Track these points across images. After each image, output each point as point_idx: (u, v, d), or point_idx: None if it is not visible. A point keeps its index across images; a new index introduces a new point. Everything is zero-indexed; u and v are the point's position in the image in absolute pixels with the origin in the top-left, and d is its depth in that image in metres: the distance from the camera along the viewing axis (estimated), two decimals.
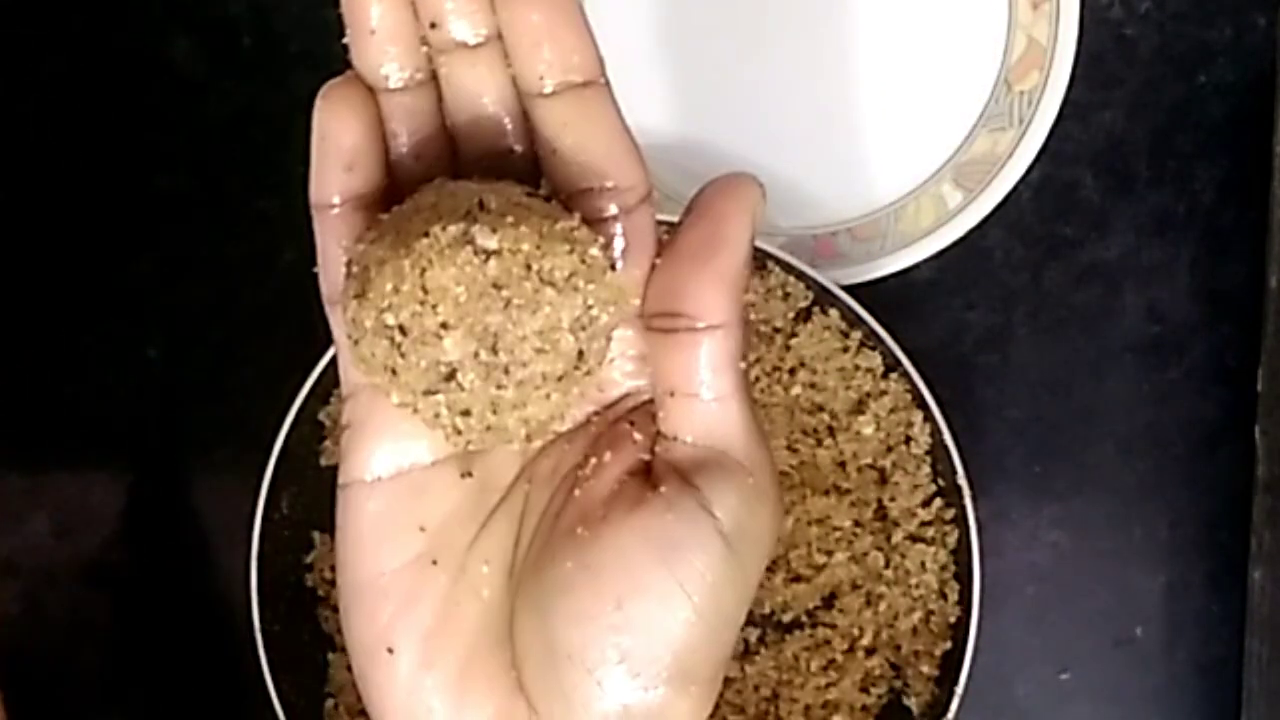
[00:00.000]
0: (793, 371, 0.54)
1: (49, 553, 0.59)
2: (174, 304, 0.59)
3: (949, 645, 0.53)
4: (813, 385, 0.54)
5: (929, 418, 0.53)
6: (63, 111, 0.58)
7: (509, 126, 0.28)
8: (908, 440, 0.54)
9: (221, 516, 0.58)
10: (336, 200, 0.28)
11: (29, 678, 0.59)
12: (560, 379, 0.27)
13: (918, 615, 0.54)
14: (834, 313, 0.53)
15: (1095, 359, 0.58)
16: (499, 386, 0.26)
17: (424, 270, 0.25)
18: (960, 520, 0.53)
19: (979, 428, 0.57)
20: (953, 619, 0.53)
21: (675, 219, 0.47)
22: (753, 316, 0.54)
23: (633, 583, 0.27)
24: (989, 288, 0.58)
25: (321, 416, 0.54)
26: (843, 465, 0.54)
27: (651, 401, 0.29)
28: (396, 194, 0.28)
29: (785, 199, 0.57)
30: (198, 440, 0.58)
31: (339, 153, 0.28)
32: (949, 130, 0.56)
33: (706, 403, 0.28)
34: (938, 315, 0.58)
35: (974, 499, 0.52)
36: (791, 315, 0.54)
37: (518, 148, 0.29)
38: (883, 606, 0.54)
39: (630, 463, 0.29)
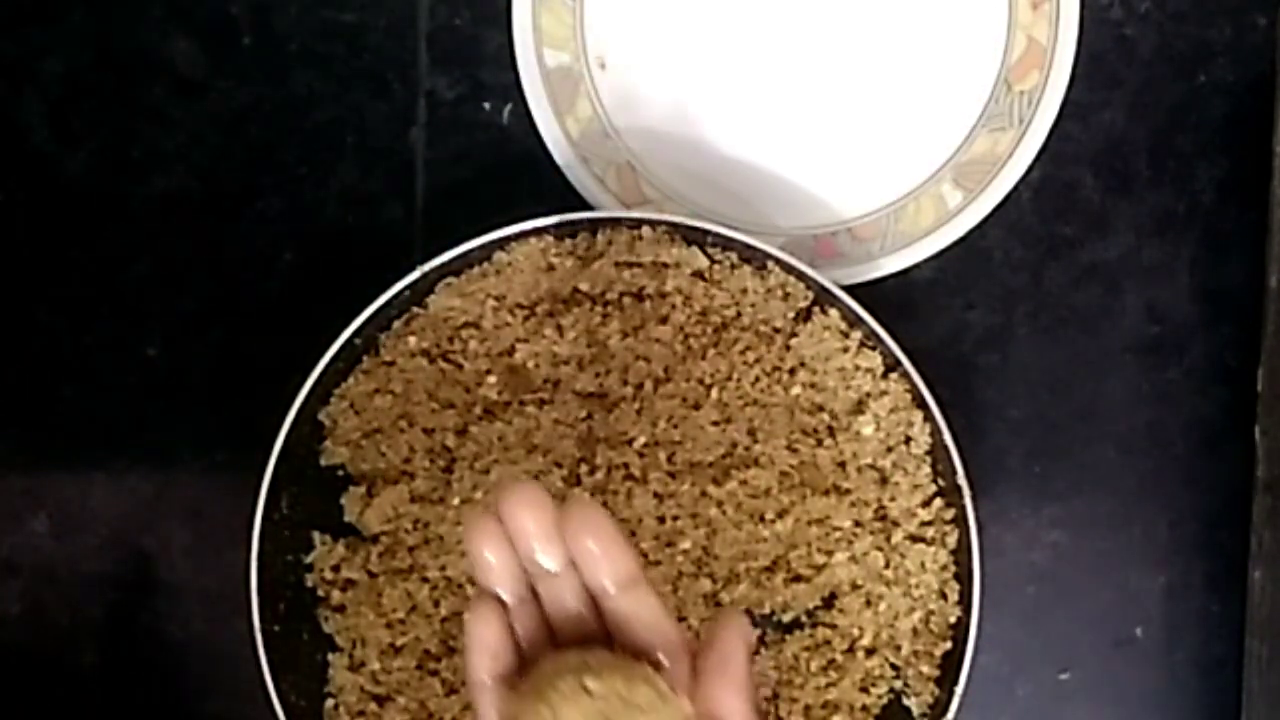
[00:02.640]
0: (793, 371, 0.54)
1: (49, 553, 0.59)
2: (174, 304, 0.59)
3: (949, 645, 0.53)
4: (813, 385, 0.54)
5: (929, 418, 0.53)
6: (63, 111, 0.59)
7: (589, 619, 0.41)
8: (908, 440, 0.54)
9: (221, 516, 0.58)
10: (487, 679, 0.41)
11: (29, 678, 0.59)
12: None
13: (918, 615, 0.54)
14: (834, 313, 0.53)
15: (1095, 359, 0.58)
16: None
17: (555, 710, 0.37)
18: (960, 520, 0.53)
19: (979, 428, 0.57)
20: (953, 619, 0.53)
21: (675, 219, 0.48)
22: (752, 317, 0.55)
23: None
24: (989, 288, 0.58)
25: (321, 416, 0.54)
26: (843, 465, 0.54)
27: None
28: (522, 665, 0.41)
29: (785, 199, 0.57)
30: (198, 440, 0.59)
31: (487, 648, 0.41)
32: (949, 130, 0.56)
33: None
34: (938, 315, 0.58)
35: (974, 499, 0.52)
36: (791, 315, 0.54)
37: (596, 629, 0.41)
38: (883, 607, 0.54)
39: None
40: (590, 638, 0.41)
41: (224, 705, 0.59)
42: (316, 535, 0.55)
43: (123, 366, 0.59)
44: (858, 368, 0.54)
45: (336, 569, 0.55)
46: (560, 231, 0.54)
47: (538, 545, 0.40)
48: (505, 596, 0.41)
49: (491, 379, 0.55)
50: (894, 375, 0.53)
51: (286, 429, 0.52)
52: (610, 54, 0.57)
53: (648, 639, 0.40)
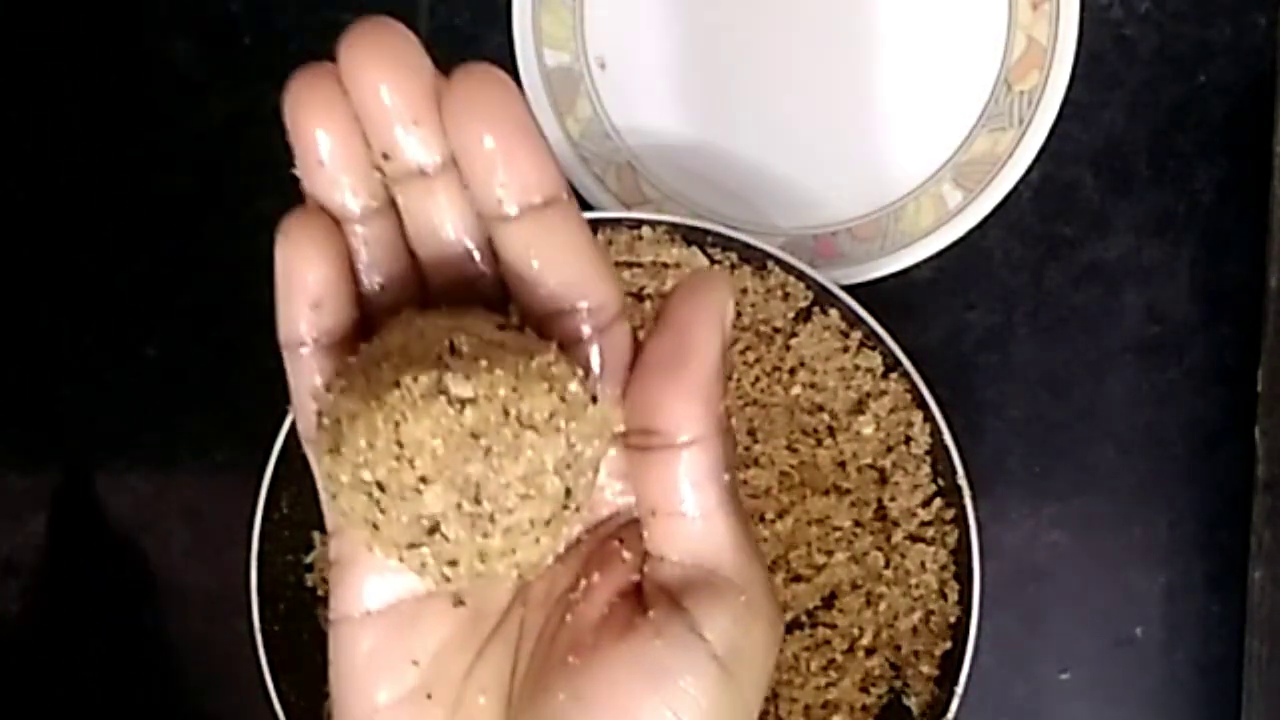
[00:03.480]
0: (793, 371, 0.55)
1: (49, 553, 0.59)
2: (174, 304, 0.59)
3: (949, 645, 0.53)
4: (813, 385, 0.54)
5: (929, 418, 0.53)
6: (63, 111, 0.58)
7: (474, 252, 0.27)
8: (908, 440, 0.54)
9: (221, 516, 0.58)
10: (306, 339, 0.27)
11: (29, 678, 0.59)
12: (548, 521, 0.25)
13: (918, 615, 0.54)
14: (834, 313, 0.53)
15: (1095, 359, 0.58)
16: (485, 535, 0.25)
17: (398, 424, 0.24)
18: (960, 520, 0.53)
19: (979, 428, 0.57)
20: (953, 619, 0.53)
21: (675, 219, 0.47)
22: (752, 317, 0.55)
23: (624, 714, 0.26)
24: (989, 288, 0.58)
25: None
26: (843, 465, 0.54)
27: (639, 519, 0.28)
28: (367, 326, 0.27)
29: (785, 199, 0.57)
30: (198, 440, 0.58)
31: (304, 290, 0.27)
32: (949, 130, 0.56)
33: (690, 520, 0.27)
34: (938, 315, 0.58)
35: (974, 499, 0.52)
36: (791, 315, 0.54)
37: (485, 272, 0.27)
38: (883, 606, 0.54)
39: (620, 583, 0.27)
40: (471, 289, 0.27)
41: (224, 705, 0.59)
42: (316, 535, 0.55)
43: (123, 366, 0.59)
44: (858, 368, 0.54)
45: None
46: None
47: (401, 126, 0.25)
48: (344, 206, 0.26)
49: None
50: (894, 375, 0.53)
51: (286, 429, 0.52)
52: (610, 54, 0.57)
53: (561, 291, 0.26)
